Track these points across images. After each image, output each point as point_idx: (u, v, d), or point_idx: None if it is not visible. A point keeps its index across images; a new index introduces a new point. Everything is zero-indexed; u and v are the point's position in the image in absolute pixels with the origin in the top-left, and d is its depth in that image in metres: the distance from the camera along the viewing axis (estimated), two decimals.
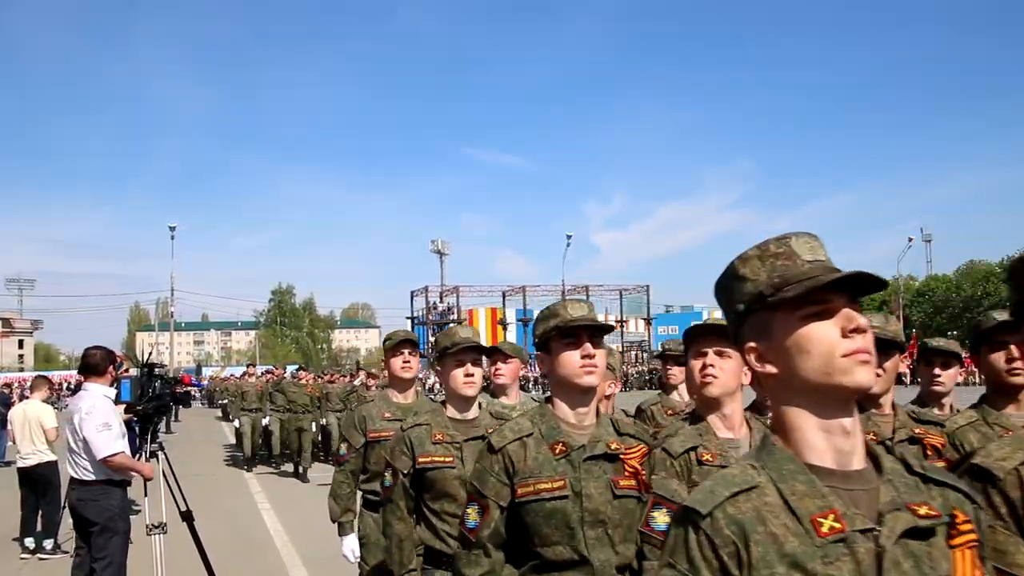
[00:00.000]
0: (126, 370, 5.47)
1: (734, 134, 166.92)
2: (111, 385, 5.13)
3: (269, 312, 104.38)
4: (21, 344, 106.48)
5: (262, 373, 17.74)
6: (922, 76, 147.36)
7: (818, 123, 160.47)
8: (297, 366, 13.62)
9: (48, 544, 7.94)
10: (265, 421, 14.45)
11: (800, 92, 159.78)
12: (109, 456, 4.86)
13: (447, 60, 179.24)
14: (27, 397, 8.74)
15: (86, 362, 5.11)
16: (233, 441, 18.05)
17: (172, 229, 50.58)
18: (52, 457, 8.05)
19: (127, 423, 5.16)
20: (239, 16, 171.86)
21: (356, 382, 12.83)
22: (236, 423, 15.46)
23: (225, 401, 27.91)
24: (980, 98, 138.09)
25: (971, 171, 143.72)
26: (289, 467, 14.22)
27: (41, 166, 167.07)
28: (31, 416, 8.09)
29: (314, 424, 13.83)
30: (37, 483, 8.00)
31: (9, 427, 8.51)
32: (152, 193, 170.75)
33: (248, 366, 16.66)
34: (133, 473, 5.15)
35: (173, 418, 26.62)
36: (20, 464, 8.11)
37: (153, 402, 5.20)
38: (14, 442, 8.43)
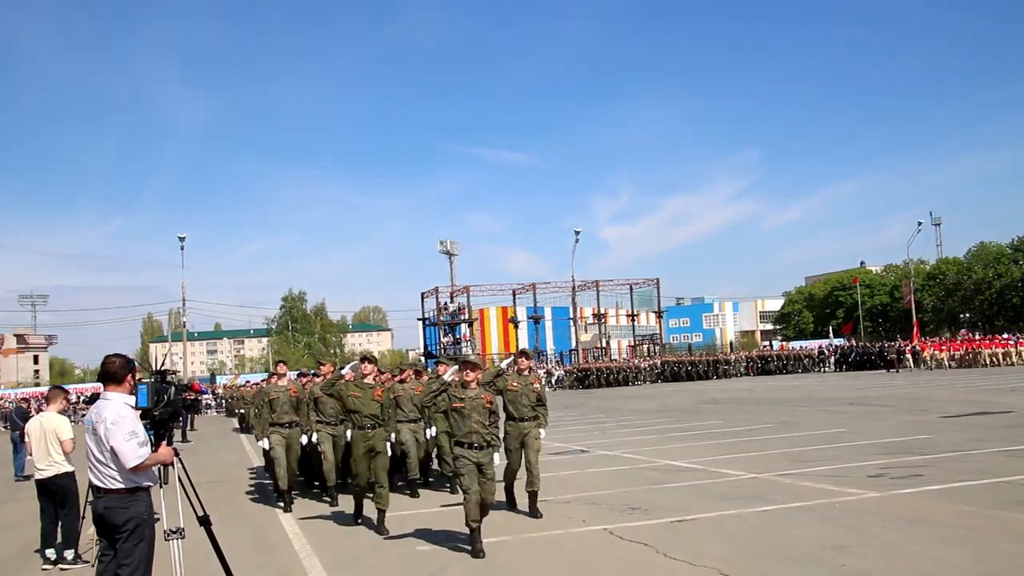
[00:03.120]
0: (140, 379, 5.51)
1: (739, 125, 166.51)
2: (130, 393, 5.19)
3: (280, 319, 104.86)
4: (36, 359, 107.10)
5: (297, 376, 13.12)
6: (928, 58, 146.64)
7: (823, 110, 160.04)
8: (361, 357, 9.84)
9: (69, 555, 7.99)
10: (313, 438, 10.85)
11: (804, 80, 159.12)
12: (138, 464, 4.92)
13: (449, 59, 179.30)
14: (42, 410, 8.81)
15: (105, 370, 5.15)
16: (256, 462, 16.19)
17: (182, 239, 51.05)
18: (69, 468, 8.11)
19: None
20: (241, 22, 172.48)
21: (447, 376, 8.31)
22: (264, 444, 11.20)
23: (242, 411, 25.86)
24: (987, 79, 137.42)
25: (979, 153, 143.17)
26: (345, 502, 10.12)
27: (49, 181, 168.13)
28: (47, 428, 8.12)
29: (388, 444, 9.54)
30: (55, 494, 8.06)
31: (27, 440, 8.58)
32: (161, 204, 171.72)
33: (277, 364, 11.99)
34: (158, 467, 5.20)
35: (189, 427, 26.70)
36: (37, 476, 8.17)
37: (168, 408, 5.27)
38: (31, 455, 8.51)
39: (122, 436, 4.88)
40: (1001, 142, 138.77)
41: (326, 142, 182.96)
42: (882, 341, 53.60)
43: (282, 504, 10.71)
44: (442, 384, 8.06)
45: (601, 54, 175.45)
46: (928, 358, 44.30)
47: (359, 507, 9.28)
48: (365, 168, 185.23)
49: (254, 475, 14.57)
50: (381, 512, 8.76)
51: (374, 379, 9.52)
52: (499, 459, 8.01)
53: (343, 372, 9.25)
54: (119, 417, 4.94)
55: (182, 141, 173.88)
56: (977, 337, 47.56)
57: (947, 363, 43.22)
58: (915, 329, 48.90)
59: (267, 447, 11.09)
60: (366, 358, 9.56)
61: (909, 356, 44.52)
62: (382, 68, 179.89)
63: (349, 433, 9.89)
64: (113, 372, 5.12)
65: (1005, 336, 46.81)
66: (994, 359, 42.46)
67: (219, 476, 14.13)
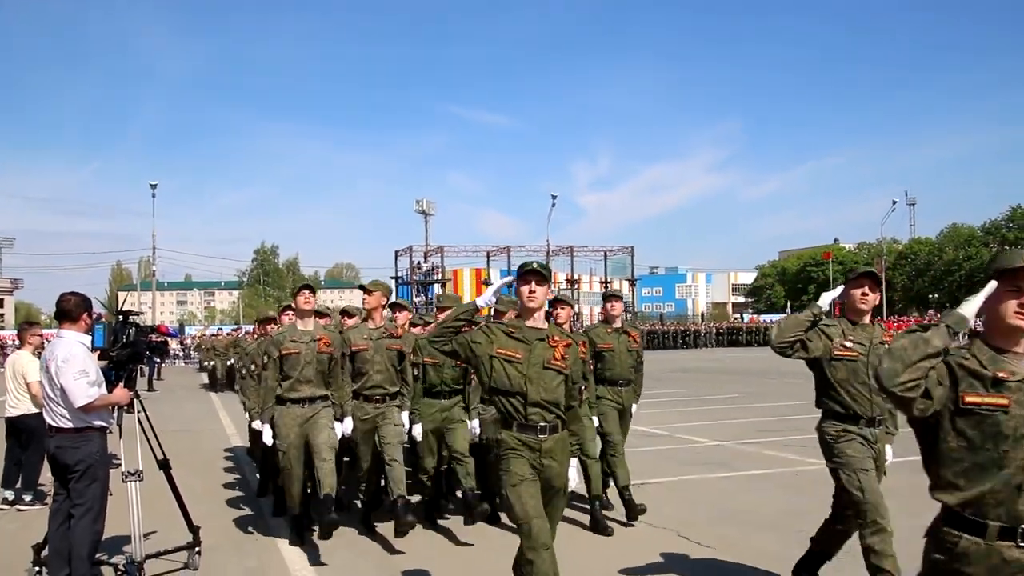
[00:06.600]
0: (100, 318, 5.42)
1: (721, 95, 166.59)
2: (86, 332, 5.10)
3: (252, 272, 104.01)
4: (1, 303, 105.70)
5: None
6: (907, 37, 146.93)
7: (805, 85, 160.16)
8: (521, 268, 4.42)
9: (27, 496, 7.96)
10: (344, 428, 6.40)
11: (788, 53, 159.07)
12: (87, 404, 4.84)
13: (432, 17, 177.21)
14: (6, 355, 8.70)
15: (61, 307, 5.06)
16: (234, 437, 12.62)
17: (153, 187, 50.28)
18: (37, 409, 8.06)
19: (102, 371, 5.12)
20: None
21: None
22: (265, 432, 6.37)
23: (213, 363, 24.27)
24: (965, 60, 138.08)
25: (955, 134, 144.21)
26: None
27: (21, 122, 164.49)
28: (17, 368, 8.13)
29: (473, 426, 6.54)
30: (22, 433, 8.01)
31: None
32: (135, 150, 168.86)
33: (299, 291, 6.49)
34: (112, 407, 5.12)
35: (156, 376, 26.25)
36: (6, 414, 8.15)
37: (127, 349, 5.17)
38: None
39: (72, 375, 4.79)
40: (979, 124, 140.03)
41: (305, 96, 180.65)
42: None
43: (292, 535, 6.38)
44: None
45: (584, 17, 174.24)
46: None
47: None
48: (343, 123, 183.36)
49: (234, 476, 9.54)
50: None
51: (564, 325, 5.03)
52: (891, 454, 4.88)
53: (478, 302, 4.57)
54: (70, 355, 4.85)
55: (162, 87, 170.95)
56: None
57: None
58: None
59: (269, 440, 6.35)
60: (529, 269, 4.47)
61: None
62: (364, 23, 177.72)
63: (405, 416, 6.54)
64: (68, 310, 5.02)
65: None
66: None
67: (183, 426, 14.00)
